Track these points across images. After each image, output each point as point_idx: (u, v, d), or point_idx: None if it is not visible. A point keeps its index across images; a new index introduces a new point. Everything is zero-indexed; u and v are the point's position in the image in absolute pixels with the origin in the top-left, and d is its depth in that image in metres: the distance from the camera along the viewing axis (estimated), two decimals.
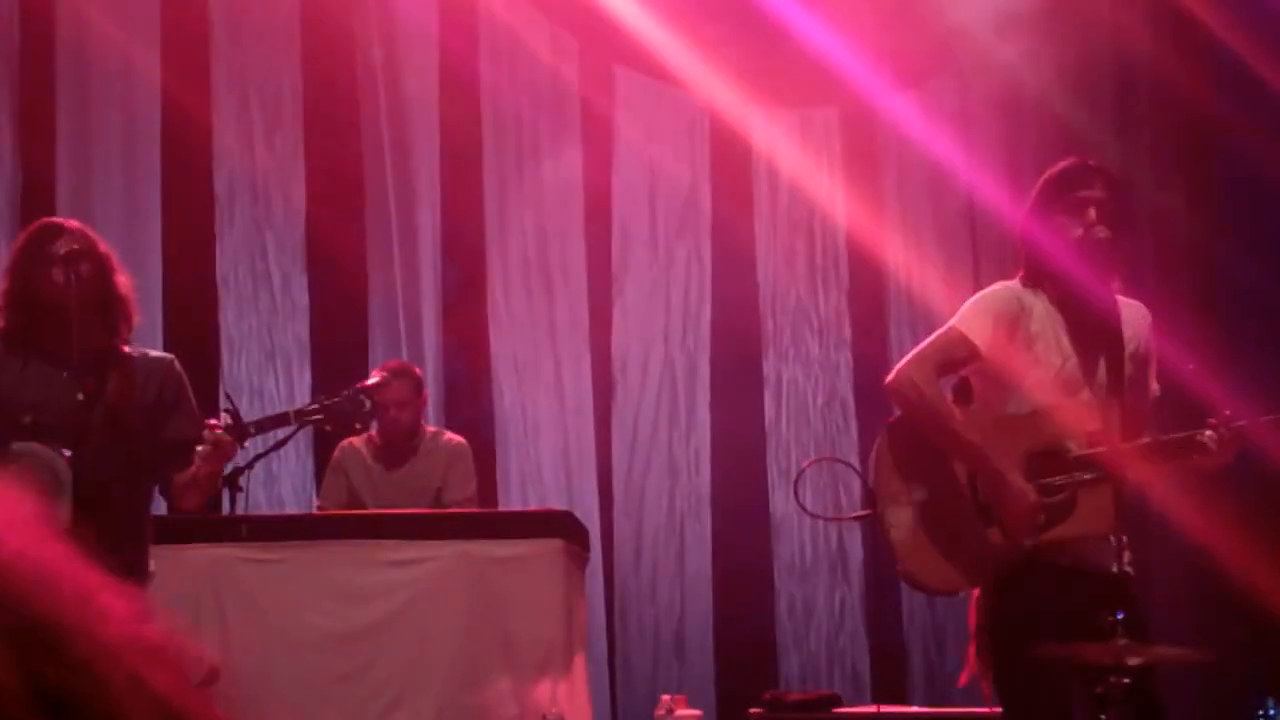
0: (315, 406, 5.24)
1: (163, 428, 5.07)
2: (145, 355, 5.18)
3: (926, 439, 4.79)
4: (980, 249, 8.79)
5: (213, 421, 4.94)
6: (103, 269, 5.05)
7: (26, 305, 5.03)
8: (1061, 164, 4.84)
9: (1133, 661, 4.24)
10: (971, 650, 5.40)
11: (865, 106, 8.82)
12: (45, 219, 5.30)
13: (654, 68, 8.81)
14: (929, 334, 5.00)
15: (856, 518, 7.50)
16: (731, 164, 9.14)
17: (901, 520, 4.82)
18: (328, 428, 5.43)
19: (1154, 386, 4.83)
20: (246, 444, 5.04)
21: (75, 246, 5.01)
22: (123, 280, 5.12)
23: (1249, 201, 8.24)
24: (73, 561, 1.11)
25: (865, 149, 9.08)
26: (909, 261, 8.92)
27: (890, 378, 4.83)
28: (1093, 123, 8.24)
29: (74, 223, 5.21)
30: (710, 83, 8.74)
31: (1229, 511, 7.35)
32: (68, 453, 4.82)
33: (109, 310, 5.05)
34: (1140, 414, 4.78)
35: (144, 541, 5.09)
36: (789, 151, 9.03)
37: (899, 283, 8.96)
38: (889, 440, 4.90)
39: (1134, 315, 4.78)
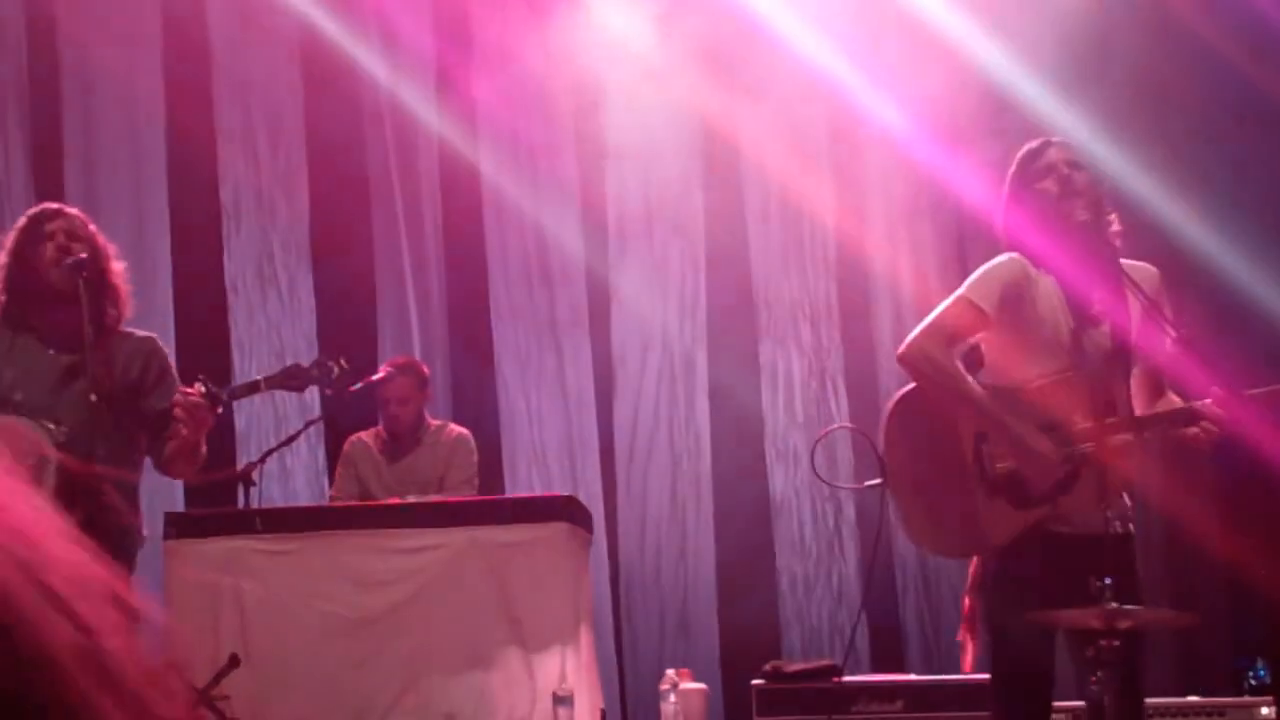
0: (281, 372, 5.22)
1: (145, 401, 5.09)
2: (131, 335, 5.18)
3: (933, 411, 4.72)
4: (966, 235, 8.78)
5: (186, 390, 4.95)
6: (97, 253, 5.05)
7: (20, 282, 5.05)
8: (1025, 146, 4.84)
9: (1123, 625, 4.21)
10: (965, 611, 5.37)
11: (850, 101, 8.81)
12: (46, 203, 5.29)
13: (645, 69, 8.86)
14: (914, 316, 4.96)
15: (868, 486, 7.46)
16: (722, 160, 9.17)
17: (909, 490, 4.79)
18: (296, 391, 5.41)
19: (1170, 346, 4.69)
20: (220, 409, 5.01)
21: (69, 227, 5.03)
22: (117, 268, 5.12)
23: (1225, 187, 8.25)
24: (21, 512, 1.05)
25: (851, 142, 9.10)
26: (896, 248, 8.96)
27: (902, 349, 4.75)
28: (1070, 111, 8.18)
29: (74, 209, 5.20)
30: (698, 80, 8.79)
31: (1210, 483, 7.34)
32: (52, 425, 4.84)
33: (101, 292, 5.04)
34: (1148, 381, 4.72)
35: (135, 508, 5.09)
36: (778, 146, 9.03)
37: (886, 268, 8.98)
38: (898, 413, 4.83)
39: (1141, 277, 4.67)
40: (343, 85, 9.09)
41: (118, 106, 8.97)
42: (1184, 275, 8.12)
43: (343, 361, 5.29)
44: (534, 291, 9.17)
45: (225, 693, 6.46)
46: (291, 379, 5.17)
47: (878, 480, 4.88)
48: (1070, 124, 7.97)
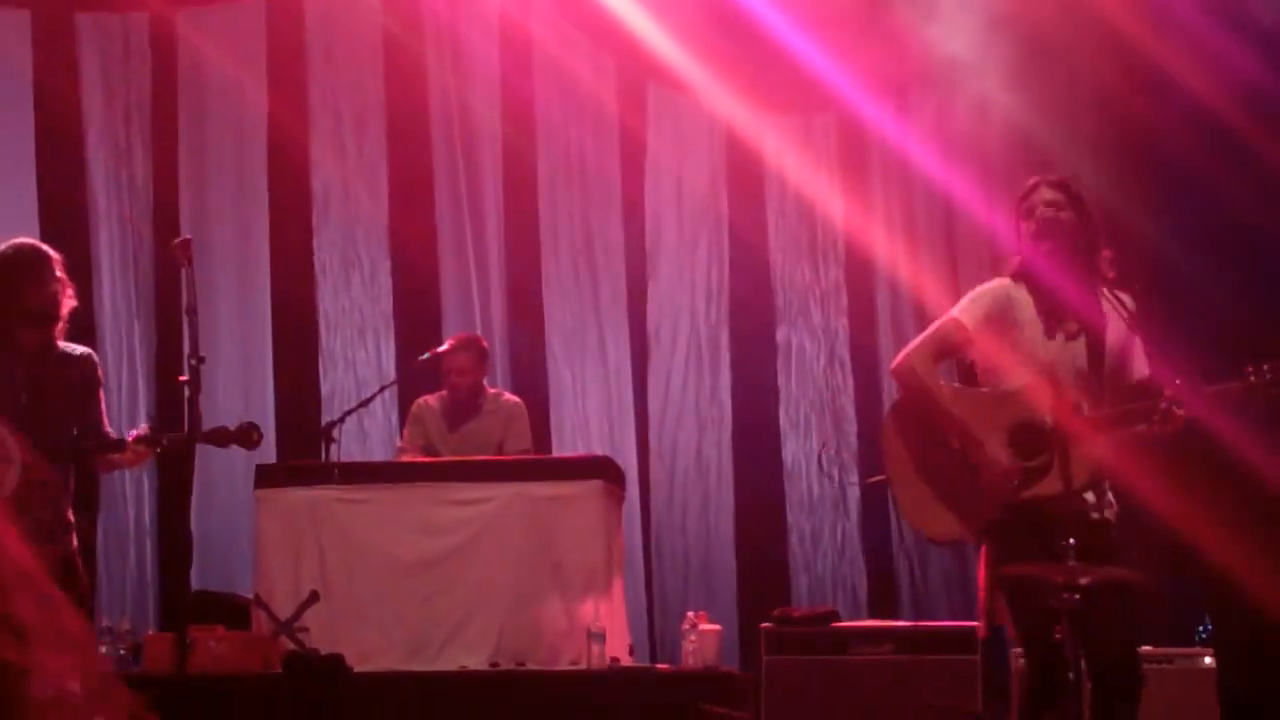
0: (208, 432, 5.23)
1: (81, 412, 5.42)
2: (69, 349, 5.47)
3: (922, 415, 4.97)
4: (955, 231, 8.85)
5: (134, 432, 5.31)
6: (63, 289, 5.42)
7: (12, 306, 5.32)
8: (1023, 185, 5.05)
9: (1084, 581, 4.33)
10: (980, 595, 5.54)
11: (857, 113, 8.86)
12: (27, 242, 5.52)
13: (678, 83, 8.90)
14: (911, 302, 5.07)
15: (872, 482, 7.43)
16: (745, 164, 9.26)
17: (905, 482, 4.99)
18: (220, 447, 5.39)
19: (1139, 367, 4.86)
20: (159, 450, 5.31)
21: (62, 274, 5.37)
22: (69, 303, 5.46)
23: (1193, 207, 8.14)
24: None
25: (858, 149, 9.14)
26: (895, 242, 9.00)
27: (895, 363, 5.02)
28: (1049, 129, 8.01)
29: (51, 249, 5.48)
30: (726, 95, 8.85)
31: (1166, 469, 7.35)
32: (20, 432, 5.08)
33: (54, 323, 5.40)
34: (1119, 390, 4.82)
35: (65, 499, 5.35)
36: (794, 152, 9.11)
37: (887, 260, 9.03)
38: (894, 417, 5.07)
39: (1118, 304, 4.80)
40: (418, 91, 9.22)
41: (226, 106, 9.13)
42: (1140, 270, 8.07)
43: (259, 431, 5.38)
44: (580, 277, 9.27)
45: (305, 625, 6.86)
46: (215, 438, 5.27)
47: (881, 477, 5.14)
48: (1045, 129, 7.96)
